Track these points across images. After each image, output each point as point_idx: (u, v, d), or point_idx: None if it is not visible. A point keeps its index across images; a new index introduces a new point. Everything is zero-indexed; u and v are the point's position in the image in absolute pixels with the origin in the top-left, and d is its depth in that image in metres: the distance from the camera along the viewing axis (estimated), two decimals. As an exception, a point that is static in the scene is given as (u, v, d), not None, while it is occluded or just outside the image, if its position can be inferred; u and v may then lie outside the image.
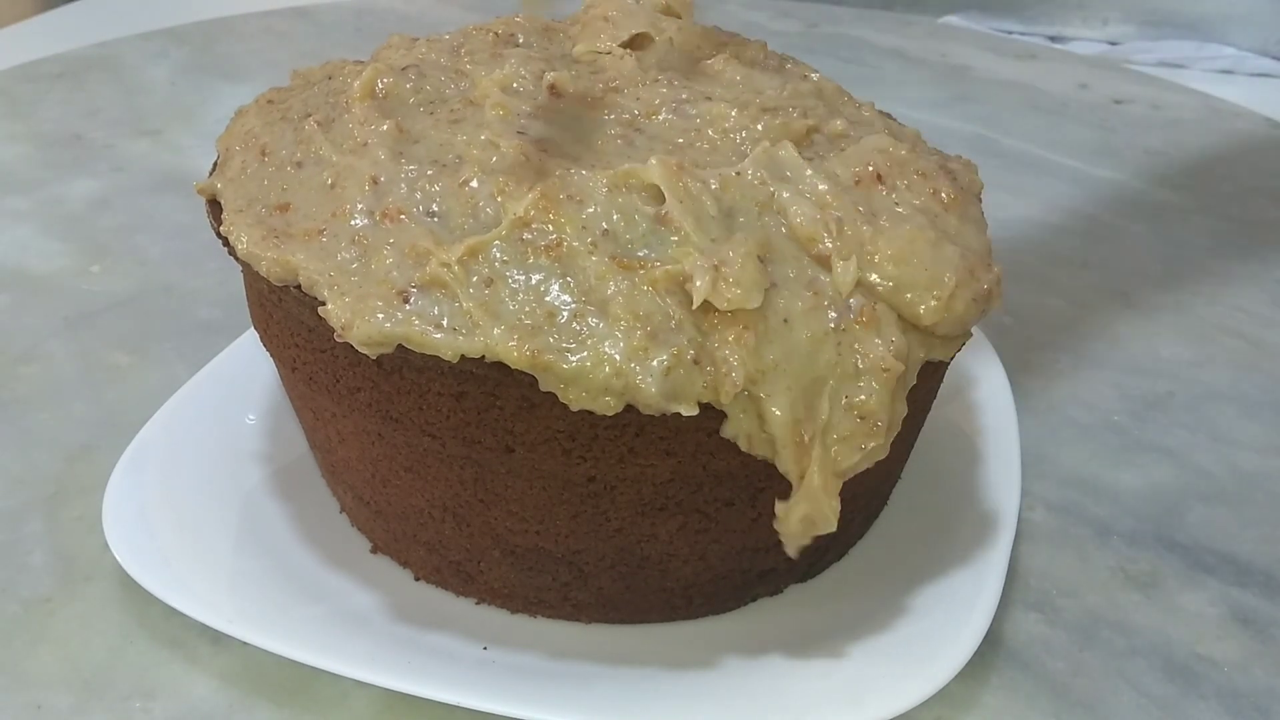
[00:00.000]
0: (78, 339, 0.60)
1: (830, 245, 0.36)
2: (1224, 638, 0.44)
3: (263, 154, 0.41)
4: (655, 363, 0.33)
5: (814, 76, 0.46)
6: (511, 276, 0.34)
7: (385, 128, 0.39)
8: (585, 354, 0.33)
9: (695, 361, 0.33)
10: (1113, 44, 1.18)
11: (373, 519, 0.44)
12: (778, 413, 0.34)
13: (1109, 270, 0.70)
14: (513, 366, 0.33)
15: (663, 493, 0.38)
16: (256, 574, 0.43)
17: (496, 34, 0.45)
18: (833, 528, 0.36)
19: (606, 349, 0.33)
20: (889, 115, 0.47)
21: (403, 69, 0.42)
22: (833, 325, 0.35)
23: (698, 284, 0.33)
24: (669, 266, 0.34)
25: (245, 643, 0.40)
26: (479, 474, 0.39)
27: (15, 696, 0.40)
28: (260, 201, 0.39)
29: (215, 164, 0.43)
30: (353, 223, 0.36)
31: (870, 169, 0.38)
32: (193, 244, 0.69)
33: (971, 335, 0.40)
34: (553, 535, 0.40)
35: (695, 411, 0.33)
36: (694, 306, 0.33)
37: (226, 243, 0.39)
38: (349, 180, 0.37)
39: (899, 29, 1.14)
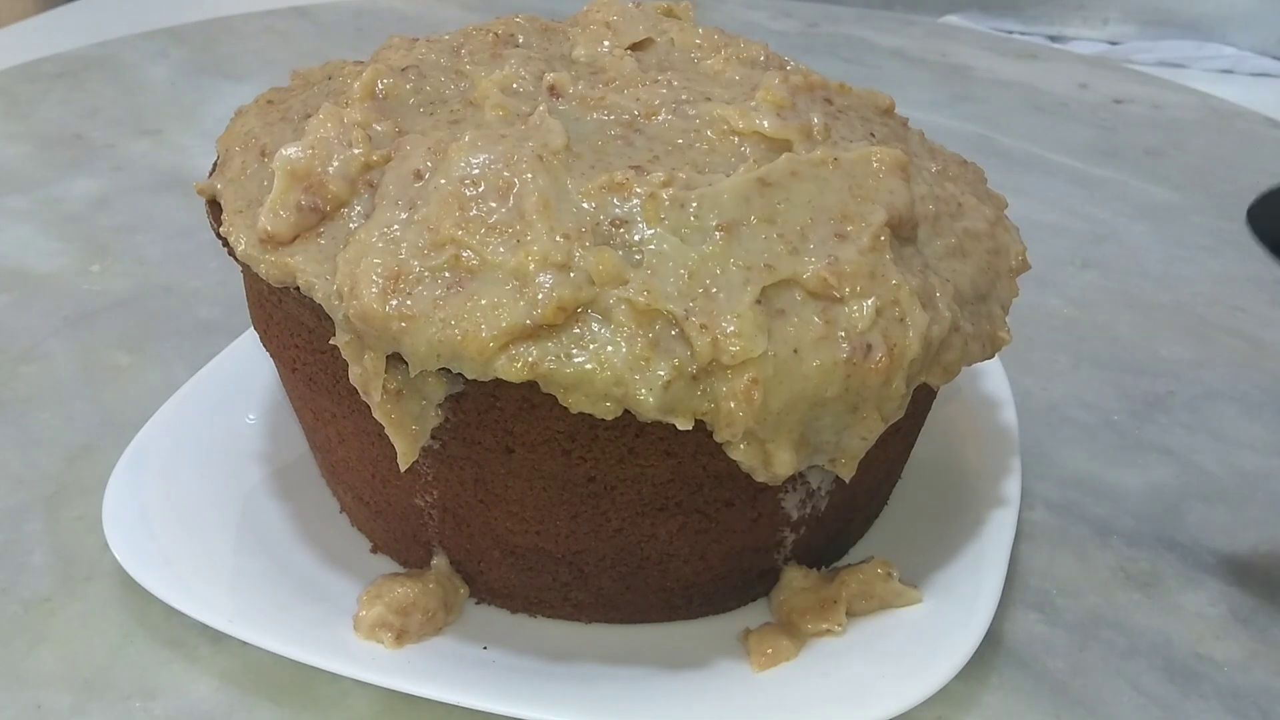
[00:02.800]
0: (78, 339, 0.60)
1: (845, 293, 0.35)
2: (1224, 638, 0.44)
3: (263, 154, 0.41)
4: (655, 374, 0.33)
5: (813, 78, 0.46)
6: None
7: (384, 128, 0.39)
8: (586, 359, 0.33)
9: (694, 378, 0.33)
10: (1113, 44, 1.18)
11: (373, 519, 0.44)
12: (785, 458, 0.34)
13: (1109, 270, 0.70)
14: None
15: (663, 493, 0.38)
16: (256, 574, 0.43)
17: (496, 34, 0.45)
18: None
19: (608, 354, 0.33)
20: (904, 120, 0.47)
21: (403, 69, 0.42)
22: (845, 357, 0.34)
23: (695, 343, 0.33)
24: (647, 300, 0.33)
25: (245, 643, 0.40)
26: (479, 474, 0.39)
27: (15, 696, 0.40)
28: (260, 202, 0.39)
29: (215, 164, 0.43)
30: (351, 225, 0.36)
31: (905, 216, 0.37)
32: (193, 244, 0.69)
33: None
34: (553, 535, 0.40)
35: (689, 426, 0.33)
36: (701, 363, 0.33)
37: (226, 243, 0.39)
38: (349, 181, 0.37)
39: (899, 29, 1.14)
